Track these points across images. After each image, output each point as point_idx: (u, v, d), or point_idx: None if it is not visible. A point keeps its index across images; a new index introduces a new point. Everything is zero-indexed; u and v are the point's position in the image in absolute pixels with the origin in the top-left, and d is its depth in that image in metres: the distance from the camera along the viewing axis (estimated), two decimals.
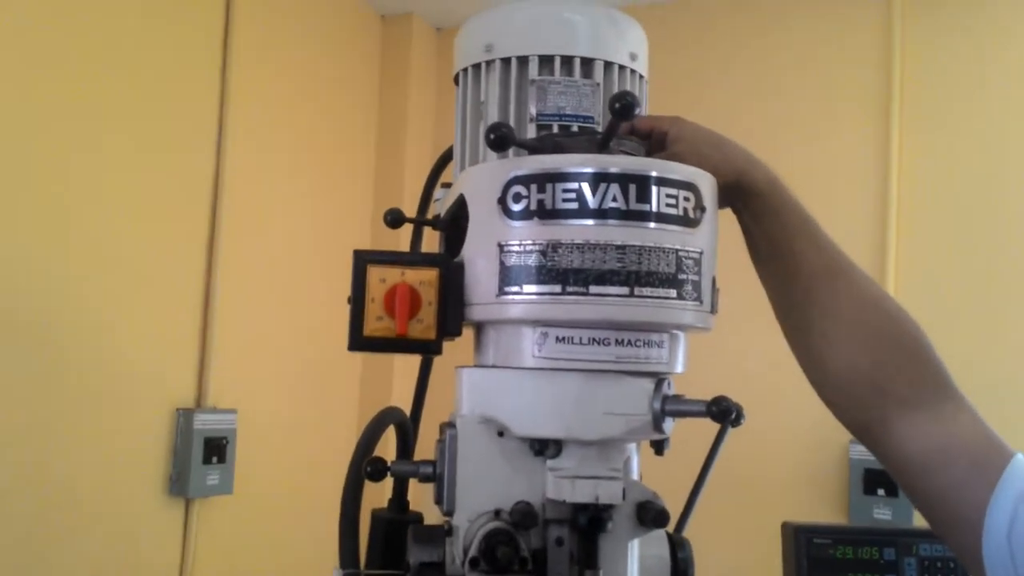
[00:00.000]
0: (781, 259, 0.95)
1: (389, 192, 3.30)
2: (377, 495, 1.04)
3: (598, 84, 0.97)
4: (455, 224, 0.94)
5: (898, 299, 0.94)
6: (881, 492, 2.51)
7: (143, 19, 2.43)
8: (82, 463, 2.28)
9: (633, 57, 1.00)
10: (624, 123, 0.86)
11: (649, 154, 0.94)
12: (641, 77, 1.02)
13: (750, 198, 0.95)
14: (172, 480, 2.52)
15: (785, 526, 1.62)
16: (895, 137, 2.73)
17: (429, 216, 1.16)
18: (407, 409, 1.14)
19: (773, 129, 2.84)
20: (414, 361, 3.10)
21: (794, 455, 2.70)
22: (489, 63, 1.00)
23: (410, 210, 1.13)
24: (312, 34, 3.09)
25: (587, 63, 0.98)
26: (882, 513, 2.51)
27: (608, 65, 0.98)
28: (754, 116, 2.87)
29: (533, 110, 0.97)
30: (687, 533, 0.99)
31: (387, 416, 1.07)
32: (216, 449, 2.57)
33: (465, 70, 1.03)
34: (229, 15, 2.69)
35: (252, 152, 2.77)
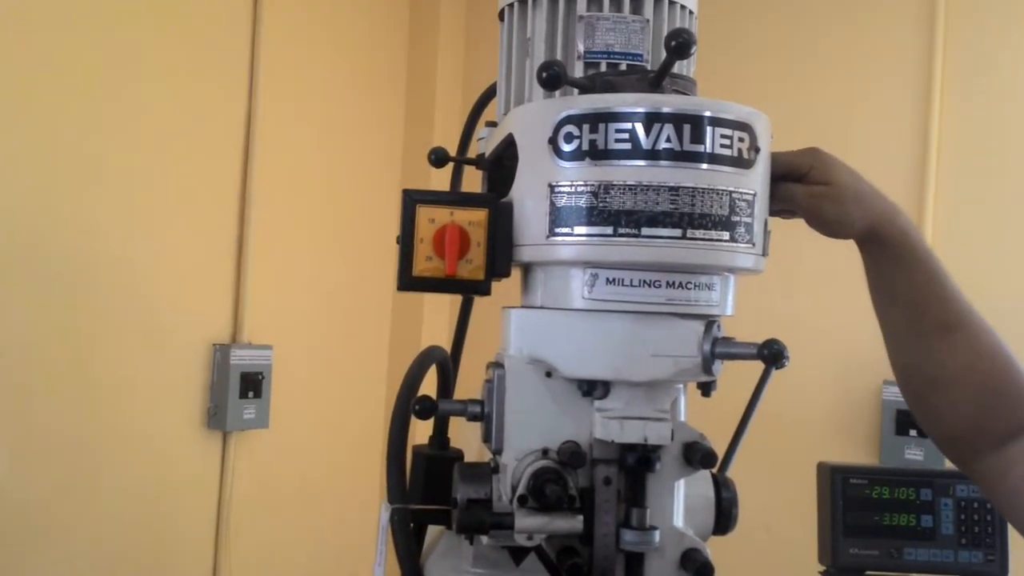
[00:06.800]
0: (903, 308, 0.97)
1: (419, 129, 3.27)
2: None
3: (648, 20, 0.94)
4: (499, 163, 0.93)
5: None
6: (913, 433, 2.50)
7: None
8: (123, 396, 2.33)
9: None
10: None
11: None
12: (691, 13, 0.99)
13: (880, 247, 0.96)
14: (210, 413, 2.56)
15: (821, 466, 1.62)
16: (936, 100, 2.65)
17: (470, 155, 1.15)
18: (444, 346, 1.14)
19: (812, 89, 2.77)
20: (444, 297, 3.08)
21: (827, 395, 2.69)
22: None
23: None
24: None
25: None
26: (914, 454, 2.50)
27: (658, 0, 0.96)
28: (793, 75, 2.80)
29: (581, 47, 0.95)
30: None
31: (430, 355, 1.07)
32: (252, 384, 2.61)
33: (511, 5, 1.01)
34: None
35: (284, 90, 2.75)
